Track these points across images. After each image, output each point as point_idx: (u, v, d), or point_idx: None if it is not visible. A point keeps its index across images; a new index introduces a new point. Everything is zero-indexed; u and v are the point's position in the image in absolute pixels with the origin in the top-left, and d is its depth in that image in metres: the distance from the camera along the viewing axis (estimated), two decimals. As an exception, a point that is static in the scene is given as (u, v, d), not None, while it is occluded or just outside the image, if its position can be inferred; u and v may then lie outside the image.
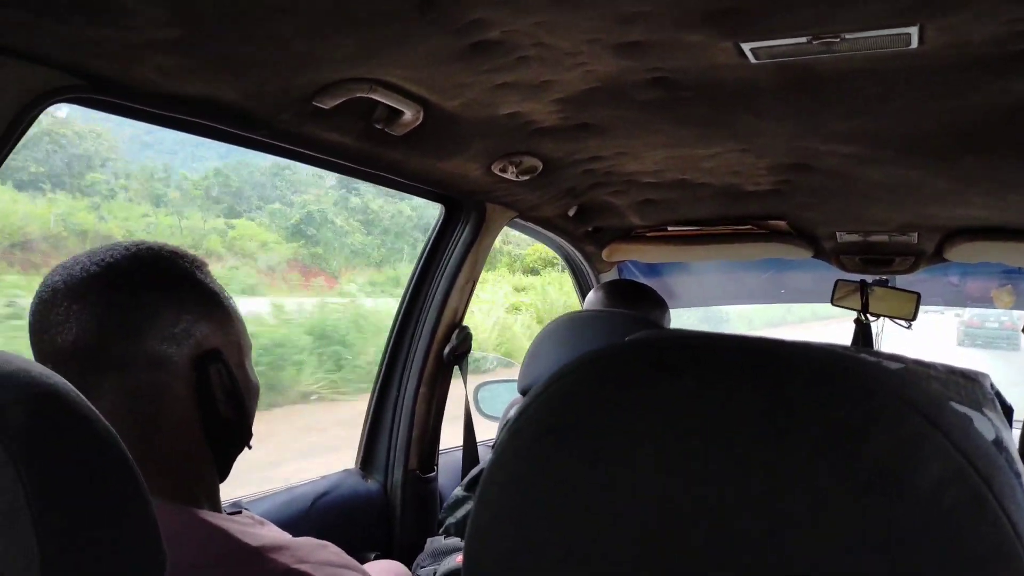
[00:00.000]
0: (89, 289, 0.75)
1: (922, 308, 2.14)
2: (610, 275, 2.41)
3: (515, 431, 0.44)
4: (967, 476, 0.34)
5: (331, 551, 0.82)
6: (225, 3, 0.72)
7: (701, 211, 1.89)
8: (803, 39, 0.86)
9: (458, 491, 1.29)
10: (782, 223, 1.98)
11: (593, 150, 1.41)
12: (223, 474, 0.85)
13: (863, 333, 2.21)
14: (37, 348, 0.76)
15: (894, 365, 0.56)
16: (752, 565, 0.34)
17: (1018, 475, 0.53)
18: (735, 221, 1.98)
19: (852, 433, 0.34)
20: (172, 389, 0.77)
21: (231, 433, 0.83)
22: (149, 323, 0.76)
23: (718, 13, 0.81)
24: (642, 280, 2.57)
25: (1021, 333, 19.42)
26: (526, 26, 0.85)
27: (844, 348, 0.54)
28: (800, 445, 0.35)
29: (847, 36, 0.85)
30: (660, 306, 1.67)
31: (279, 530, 0.83)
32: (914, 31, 0.82)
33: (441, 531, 1.26)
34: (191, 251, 0.85)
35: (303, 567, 0.76)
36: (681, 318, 2.62)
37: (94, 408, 0.56)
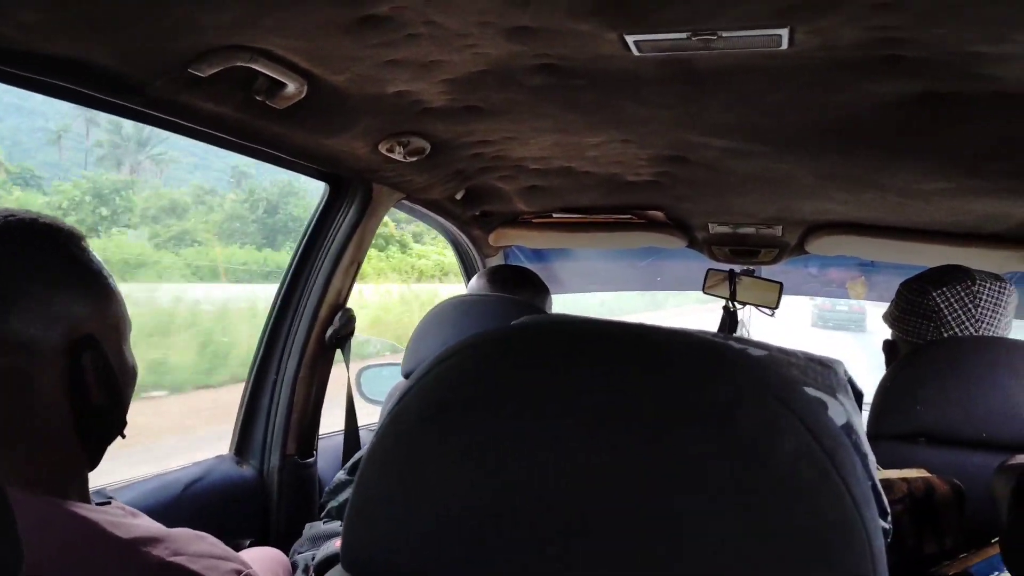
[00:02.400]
0: None
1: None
2: (496, 260, 2.43)
3: (396, 414, 0.44)
4: (814, 452, 0.37)
5: (208, 542, 0.79)
6: None
7: (585, 199, 1.94)
8: (683, 35, 0.90)
9: (340, 475, 1.27)
10: (660, 213, 2.06)
11: (481, 133, 1.41)
12: (93, 463, 0.80)
13: (730, 319, 2.34)
14: None
15: (758, 352, 0.61)
16: (638, 538, 0.36)
17: (864, 456, 0.58)
18: (617, 210, 2.04)
19: (721, 412, 0.37)
20: (39, 375, 0.71)
21: (104, 421, 0.78)
22: (15, 302, 0.69)
23: (606, 4, 0.83)
24: (527, 265, 2.61)
25: (866, 316, 21.29)
26: (416, 3, 0.84)
27: (714, 335, 0.58)
28: (675, 423, 0.37)
29: (723, 34, 0.89)
30: (543, 292, 1.70)
31: (152, 521, 0.79)
32: (785, 33, 0.87)
33: (323, 515, 1.24)
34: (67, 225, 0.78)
35: (178, 559, 0.72)
36: (564, 303, 2.69)
37: None
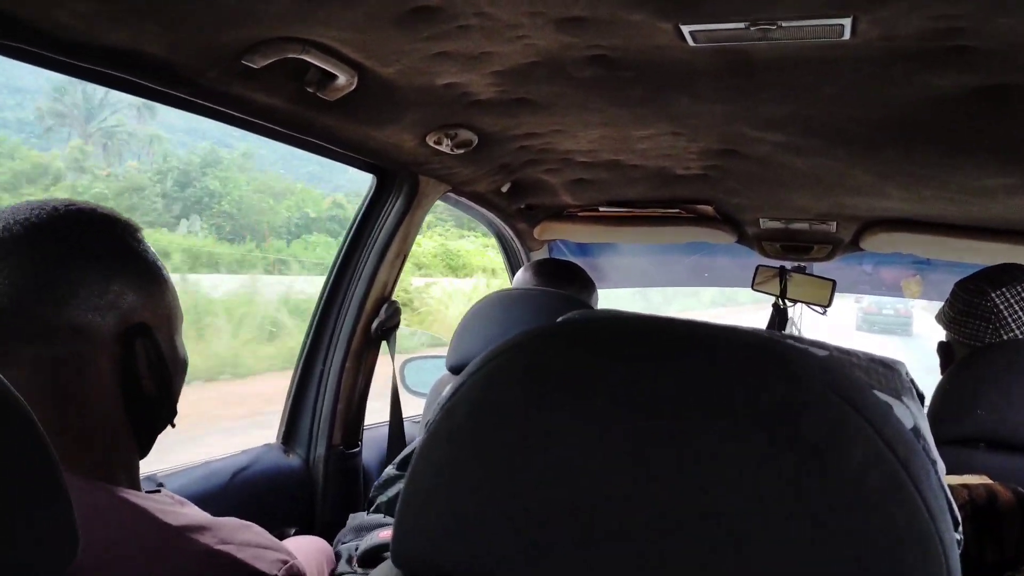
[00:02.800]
0: (10, 251, 0.69)
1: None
2: (541, 253, 2.42)
3: (447, 411, 0.44)
4: (887, 460, 0.35)
5: (254, 531, 0.79)
6: None
7: (632, 192, 1.92)
8: (741, 25, 0.87)
9: (390, 470, 1.27)
10: (709, 208, 2.02)
11: (529, 126, 1.40)
12: (144, 451, 0.81)
13: (780, 318, 2.29)
14: None
15: (819, 352, 0.58)
16: (689, 539, 0.35)
17: (934, 463, 0.56)
18: (665, 204, 2.01)
19: (782, 415, 0.35)
20: (95, 362, 0.72)
21: (154, 410, 0.79)
22: (74, 291, 0.71)
23: None
24: (572, 259, 2.60)
25: (912, 320, 20.69)
26: None
27: (770, 333, 0.56)
28: (733, 425, 0.36)
29: (783, 24, 0.87)
30: (589, 286, 1.68)
31: (199, 510, 0.80)
32: (847, 22, 0.84)
33: (372, 509, 1.25)
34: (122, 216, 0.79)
35: (226, 548, 0.73)
36: (609, 298, 2.66)
37: (3, 380, 0.52)
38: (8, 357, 0.69)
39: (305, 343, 1.79)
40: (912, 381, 0.61)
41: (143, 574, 0.68)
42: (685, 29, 0.90)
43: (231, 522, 0.78)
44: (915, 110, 1.12)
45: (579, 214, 2.14)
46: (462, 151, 1.47)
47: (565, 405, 0.39)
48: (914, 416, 0.55)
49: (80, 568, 0.59)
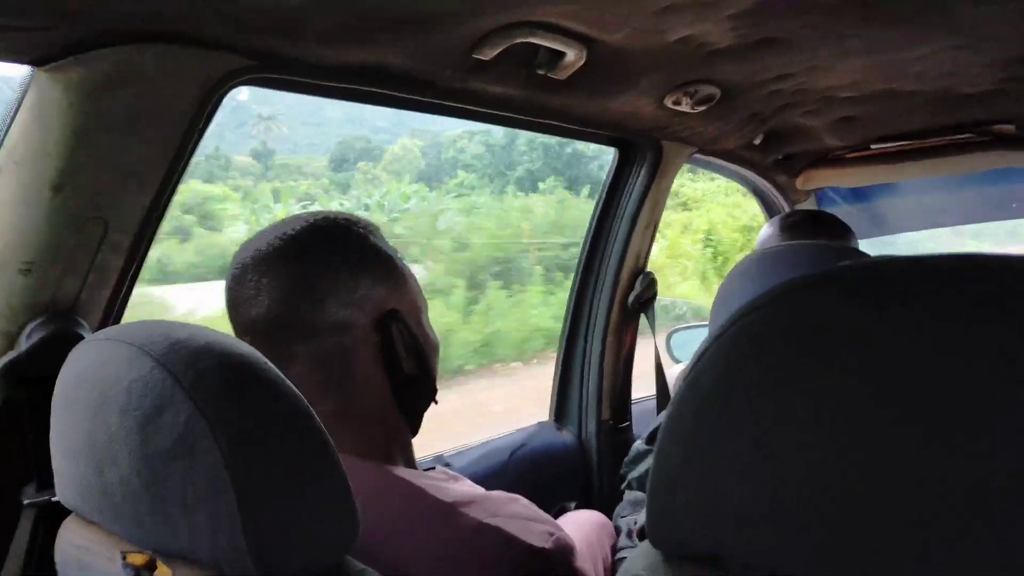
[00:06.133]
0: (275, 262, 0.79)
1: None
2: (808, 205, 2.22)
3: (691, 381, 0.39)
4: None
5: (521, 504, 0.82)
6: None
7: (910, 123, 1.67)
8: None
9: (639, 444, 1.25)
10: (1009, 127, 1.71)
11: (778, 68, 1.27)
12: (414, 430, 0.88)
13: None
14: (234, 322, 0.82)
15: None
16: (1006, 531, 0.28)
17: None
18: (951, 131, 1.73)
19: None
20: (358, 351, 0.80)
21: (417, 390, 0.85)
22: (331, 290, 0.79)
23: None
24: (845, 207, 2.35)
25: None
26: None
27: None
28: None
29: None
30: (845, 234, 1.48)
31: (472, 484, 0.84)
32: None
33: (624, 485, 1.23)
34: (363, 217, 0.87)
35: (494, 521, 0.76)
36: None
37: (280, 373, 0.58)
38: (288, 357, 0.78)
39: (565, 321, 1.82)
40: None
41: (419, 547, 0.73)
42: None
43: (499, 495, 0.82)
44: None
45: (847, 156, 1.93)
46: (704, 108, 1.38)
47: (843, 364, 0.33)
48: None
49: (361, 542, 0.65)
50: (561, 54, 1.06)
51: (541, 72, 1.09)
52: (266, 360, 0.59)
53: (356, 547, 0.59)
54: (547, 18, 0.95)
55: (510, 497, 0.83)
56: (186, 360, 0.54)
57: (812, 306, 0.36)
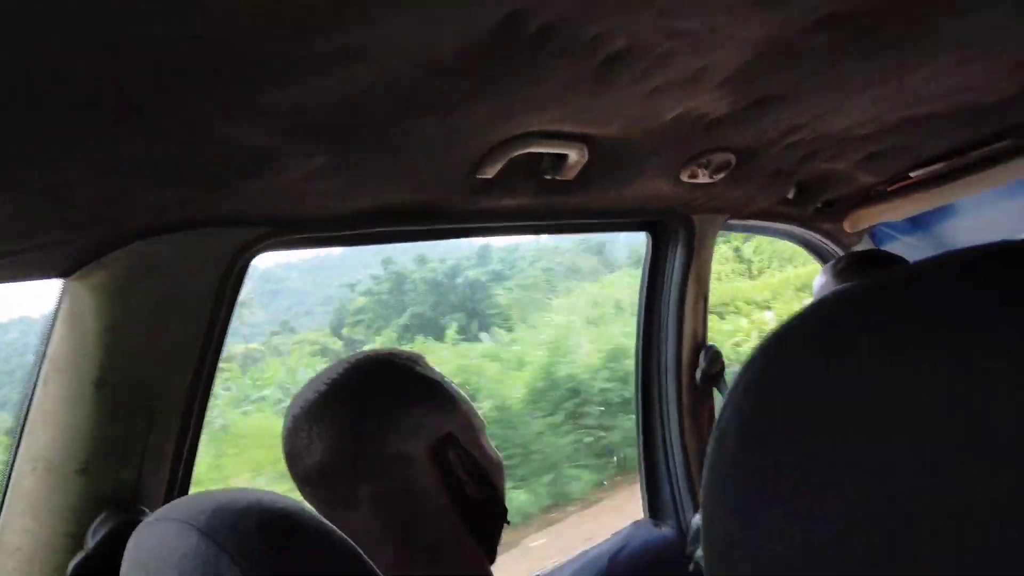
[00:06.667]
0: (324, 410, 0.79)
1: None
2: (863, 246, 2.15)
3: (718, 437, 0.36)
4: None
5: None
6: (348, 116, 0.74)
7: (941, 145, 1.62)
8: None
9: (697, 519, 1.17)
10: None
11: (786, 123, 1.26)
12: (491, 556, 0.85)
13: None
14: (292, 473, 0.82)
15: None
16: None
17: None
18: (988, 141, 1.67)
19: None
20: (420, 483, 0.79)
21: (486, 513, 0.83)
22: (382, 427, 0.79)
23: None
24: (904, 240, 2.27)
25: None
26: (647, 23, 0.78)
27: None
28: None
29: None
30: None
31: None
32: None
33: (691, 567, 1.15)
34: (404, 348, 0.88)
35: None
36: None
37: (325, 521, 0.58)
38: (350, 503, 0.77)
39: (637, 416, 1.77)
40: None
41: None
42: None
43: None
44: None
45: (888, 190, 1.87)
46: (723, 174, 1.37)
47: (881, 391, 0.30)
48: None
49: None
50: (563, 156, 1.07)
51: (548, 177, 1.11)
52: (308, 509, 0.58)
53: None
54: (540, 127, 0.98)
55: None
56: (228, 526, 0.54)
57: (845, 320, 0.33)
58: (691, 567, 1.20)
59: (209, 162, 0.70)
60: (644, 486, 1.81)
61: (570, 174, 1.12)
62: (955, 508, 0.27)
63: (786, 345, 0.35)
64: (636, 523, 1.79)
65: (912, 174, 1.80)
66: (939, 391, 0.27)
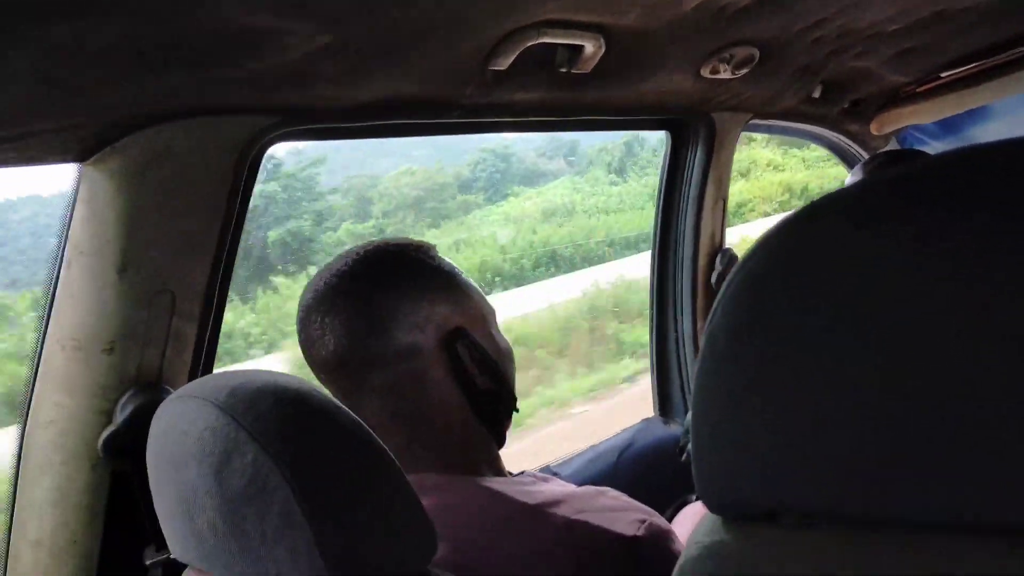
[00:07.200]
0: (334, 300, 0.81)
1: None
2: (890, 148, 2.10)
3: (709, 335, 0.38)
4: None
5: (610, 496, 0.81)
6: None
7: (974, 43, 1.55)
8: None
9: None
10: None
11: (812, 14, 1.21)
12: (500, 441, 0.88)
13: None
14: (310, 363, 0.85)
15: None
16: None
17: None
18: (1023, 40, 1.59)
19: None
20: (429, 373, 0.81)
21: (495, 402, 0.85)
22: (392, 317, 0.80)
23: None
24: (933, 144, 2.20)
25: None
26: None
27: None
28: None
29: None
30: None
31: (561, 484, 0.84)
32: None
33: (683, 456, 1.19)
34: (414, 239, 0.88)
35: (582, 516, 0.76)
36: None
37: (336, 401, 0.60)
38: (364, 391, 0.80)
39: (651, 315, 1.79)
40: None
41: (509, 552, 0.73)
42: None
43: (587, 490, 0.81)
44: None
45: (918, 91, 1.81)
46: (746, 70, 1.33)
47: (881, 279, 0.31)
48: None
49: (451, 553, 0.65)
50: (579, 48, 1.05)
51: (564, 70, 1.08)
52: (319, 390, 0.61)
53: (446, 558, 0.60)
54: (554, 15, 0.95)
55: (597, 490, 0.82)
56: (245, 404, 0.57)
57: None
58: (683, 457, 1.24)
59: (202, 43, 0.69)
60: (655, 384, 1.85)
61: (586, 67, 1.09)
62: (955, 389, 0.27)
63: (779, 241, 0.35)
64: (646, 420, 1.84)
65: (943, 74, 1.73)
66: (952, 277, 0.28)
